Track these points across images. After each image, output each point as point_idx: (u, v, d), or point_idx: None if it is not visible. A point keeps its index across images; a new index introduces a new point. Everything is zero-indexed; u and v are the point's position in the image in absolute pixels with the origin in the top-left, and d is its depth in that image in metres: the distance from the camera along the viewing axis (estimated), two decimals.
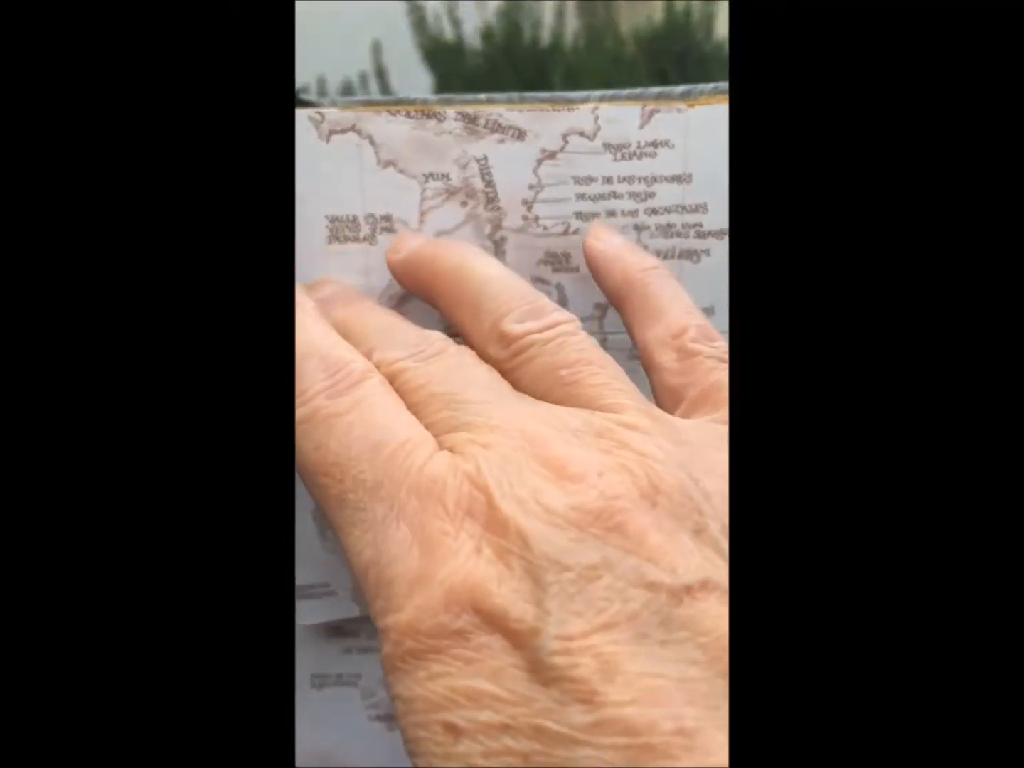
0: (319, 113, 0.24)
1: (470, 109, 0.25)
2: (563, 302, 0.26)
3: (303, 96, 0.25)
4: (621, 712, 0.14)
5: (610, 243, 0.24)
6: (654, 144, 0.25)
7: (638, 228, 0.25)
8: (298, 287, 0.23)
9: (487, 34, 1.24)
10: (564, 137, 0.25)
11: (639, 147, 0.25)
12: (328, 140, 0.25)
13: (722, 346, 0.22)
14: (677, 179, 0.25)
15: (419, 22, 1.25)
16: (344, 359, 0.20)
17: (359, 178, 0.25)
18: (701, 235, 0.25)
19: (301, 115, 0.24)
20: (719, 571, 0.16)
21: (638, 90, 0.25)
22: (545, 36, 1.26)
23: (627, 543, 0.16)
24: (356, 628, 0.29)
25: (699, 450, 0.19)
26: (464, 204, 0.25)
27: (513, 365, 0.21)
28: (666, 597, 0.16)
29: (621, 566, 0.16)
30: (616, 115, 0.25)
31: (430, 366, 0.21)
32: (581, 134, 0.25)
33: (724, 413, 0.21)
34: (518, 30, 1.24)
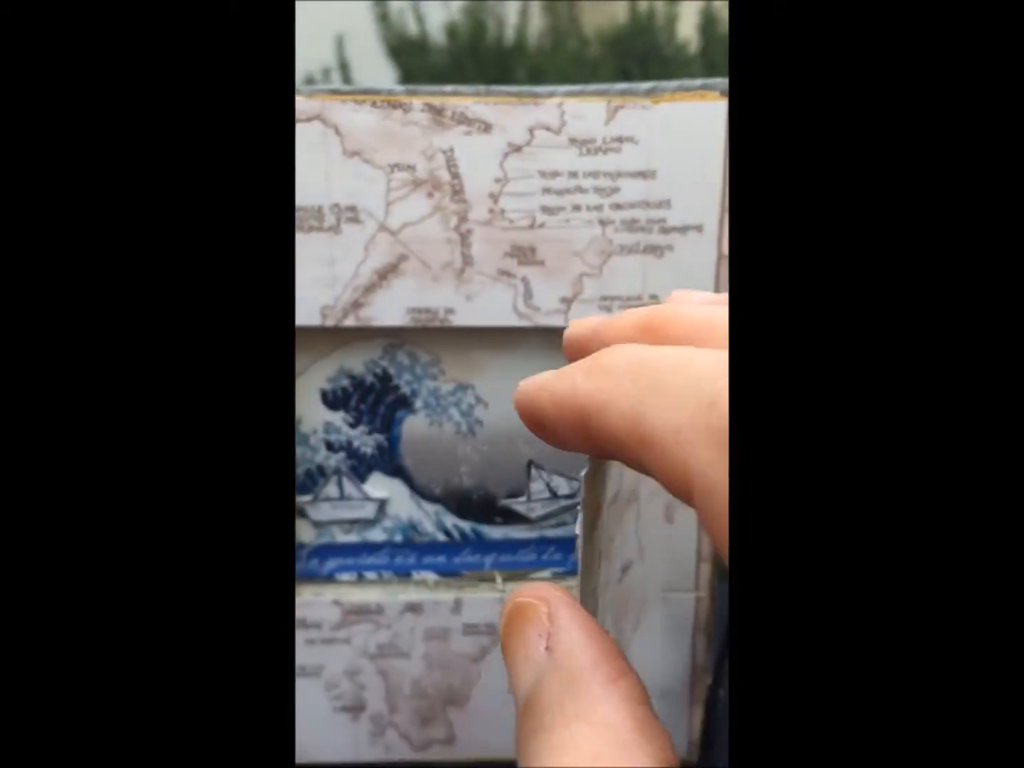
0: None
1: (436, 101, 0.25)
2: (529, 296, 0.26)
3: None
4: None
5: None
6: (619, 140, 0.25)
7: (603, 223, 0.26)
8: None
9: (452, 31, 1.24)
10: (530, 131, 0.25)
11: (604, 142, 0.25)
12: None
13: None
14: (642, 175, 0.25)
15: (383, 17, 1.24)
16: None
17: (324, 167, 0.25)
18: (665, 230, 0.26)
19: None
20: None
21: (603, 86, 0.25)
22: (509, 34, 1.26)
23: None
24: (319, 619, 0.29)
25: None
26: (430, 195, 0.25)
27: None
28: None
29: None
30: (582, 110, 0.25)
31: None
32: (547, 128, 0.25)
33: None
34: (483, 28, 1.24)
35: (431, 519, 0.29)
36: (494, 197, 0.25)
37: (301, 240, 0.25)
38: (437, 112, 0.25)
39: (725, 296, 0.17)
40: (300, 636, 0.29)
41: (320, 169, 0.25)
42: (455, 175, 0.25)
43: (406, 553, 0.30)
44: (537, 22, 1.30)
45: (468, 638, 0.29)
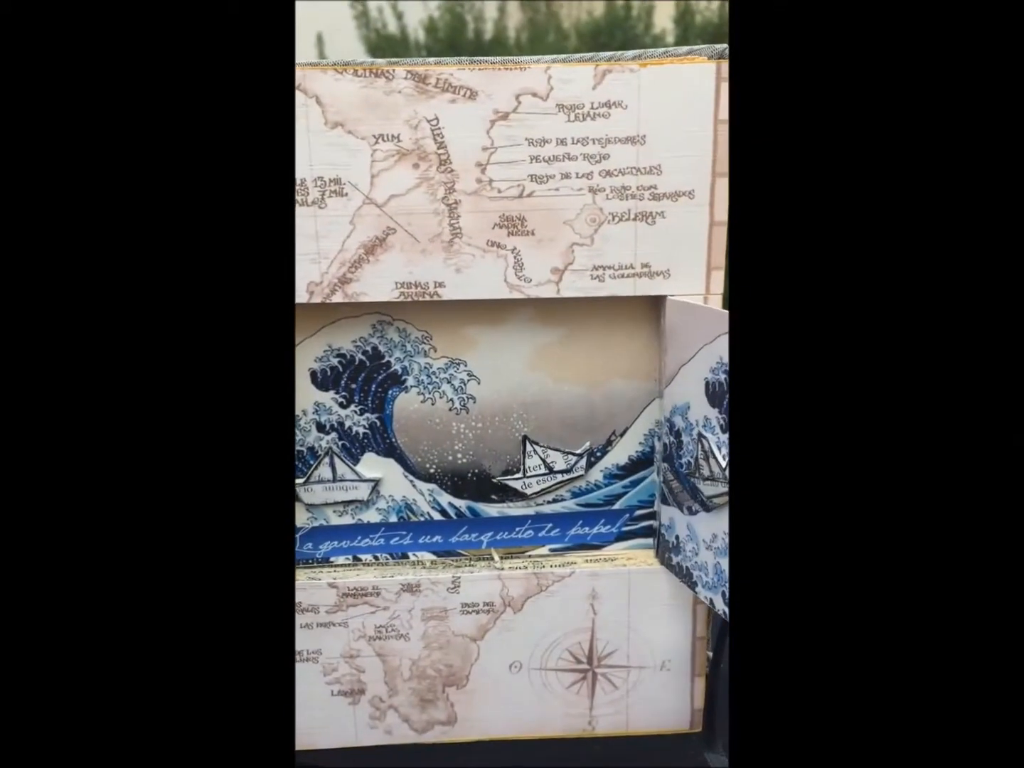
0: None
1: (420, 69, 0.24)
2: (519, 267, 0.26)
3: None
4: None
5: None
6: (607, 104, 0.25)
7: (593, 190, 0.25)
8: None
9: (430, 27, 1.23)
10: (517, 97, 0.25)
11: (592, 108, 0.25)
12: None
13: None
14: (631, 140, 0.25)
15: (362, 15, 1.24)
16: None
17: (306, 139, 0.24)
18: (656, 197, 0.26)
19: None
20: None
21: (589, 54, 0.25)
22: (488, 29, 1.26)
23: None
24: (315, 603, 0.28)
25: None
26: (416, 166, 0.25)
27: None
28: None
29: None
30: (569, 75, 0.24)
31: None
32: (534, 94, 0.25)
33: None
34: (462, 23, 1.24)
35: (426, 498, 0.29)
36: (481, 166, 0.25)
37: None
38: (421, 80, 0.24)
39: None
40: (296, 620, 0.28)
41: (302, 141, 0.24)
42: (441, 145, 0.25)
43: (402, 534, 0.29)
44: (515, 17, 1.30)
45: (467, 617, 0.29)
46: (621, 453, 0.29)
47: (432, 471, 0.29)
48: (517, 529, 0.29)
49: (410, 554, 0.29)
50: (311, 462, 0.28)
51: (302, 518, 0.29)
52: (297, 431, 0.28)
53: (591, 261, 0.26)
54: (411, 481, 0.29)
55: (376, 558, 0.29)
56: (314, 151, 0.24)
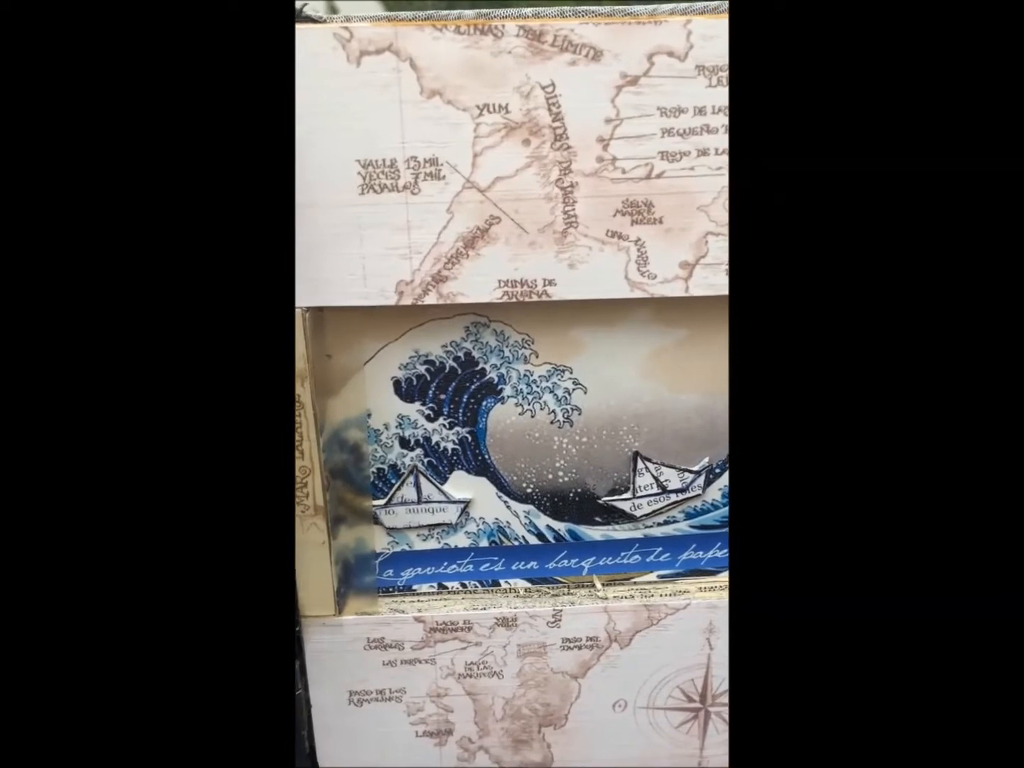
0: (346, 29, 0.20)
1: (535, 24, 0.20)
2: (643, 261, 0.22)
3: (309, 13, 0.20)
4: None
5: None
6: None
7: None
8: None
9: None
10: (649, 58, 0.20)
11: None
12: (359, 64, 0.20)
13: None
14: None
15: None
16: None
17: (398, 112, 0.20)
18: None
19: (325, 32, 0.20)
20: None
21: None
22: None
23: None
24: (399, 638, 0.25)
25: None
26: (527, 143, 0.21)
27: None
28: None
29: None
30: (714, 30, 0.20)
31: None
32: (670, 54, 0.20)
33: None
34: None
35: (521, 521, 0.25)
36: (604, 142, 0.21)
37: (371, 202, 0.21)
38: (536, 37, 0.20)
39: None
40: (378, 658, 0.25)
41: (392, 114, 0.20)
42: (557, 116, 0.21)
43: (493, 559, 0.26)
44: None
45: (568, 653, 0.26)
46: None
47: (529, 491, 0.25)
48: (623, 554, 0.26)
49: (501, 582, 0.26)
50: (393, 481, 0.25)
51: (383, 542, 0.25)
52: (378, 447, 0.24)
53: (727, 254, 0.22)
54: (505, 502, 0.25)
55: (464, 585, 0.26)
56: (407, 126, 0.20)
